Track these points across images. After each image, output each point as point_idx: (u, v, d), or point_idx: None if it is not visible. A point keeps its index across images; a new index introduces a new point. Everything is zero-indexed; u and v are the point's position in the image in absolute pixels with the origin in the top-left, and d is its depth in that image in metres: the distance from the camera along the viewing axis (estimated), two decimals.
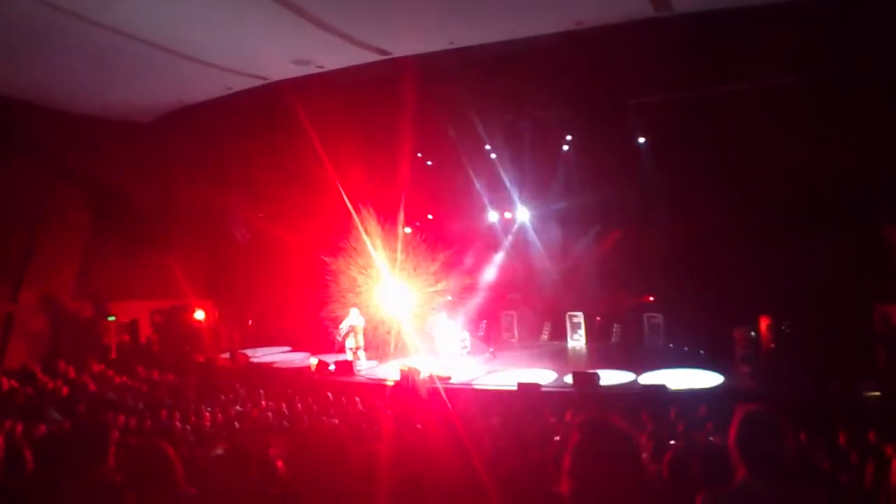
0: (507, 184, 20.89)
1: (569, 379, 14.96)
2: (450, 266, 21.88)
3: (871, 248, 15.34)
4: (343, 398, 14.00)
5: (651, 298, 19.73)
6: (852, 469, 8.16)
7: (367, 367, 18.44)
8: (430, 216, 22.63)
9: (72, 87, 16.91)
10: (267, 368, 19.19)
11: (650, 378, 14.95)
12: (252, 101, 18.88)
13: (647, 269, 19.10)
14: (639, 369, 15.67)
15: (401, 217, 22.28)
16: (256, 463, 5.35)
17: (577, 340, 20.73)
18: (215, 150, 22.07)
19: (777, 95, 15.67)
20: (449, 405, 11.60)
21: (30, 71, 15.44)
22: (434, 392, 15.19)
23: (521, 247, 21.89)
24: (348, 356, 18.59)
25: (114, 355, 20.65)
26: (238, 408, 13.64)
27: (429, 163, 21.68)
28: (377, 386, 16.29)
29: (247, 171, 22.36)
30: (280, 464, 6.33)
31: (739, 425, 3.11)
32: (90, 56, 14.81)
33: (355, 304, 19.82)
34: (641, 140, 18.89)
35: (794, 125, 15.59)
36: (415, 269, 21.18)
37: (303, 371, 17.94)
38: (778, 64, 15.03)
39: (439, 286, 21.21)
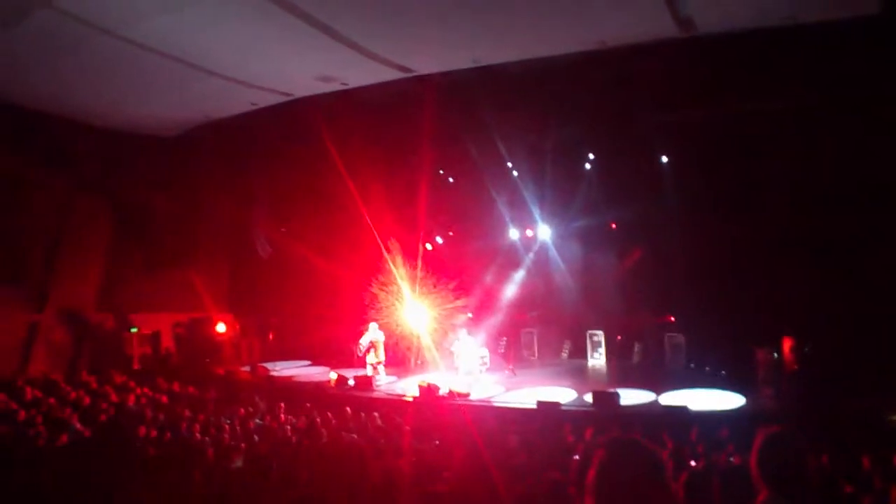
0: (529, 201, 20.90)
1: (589, 398, 14.88)
2: (471, 283, 21.90)
3: (893, 268, 15.18)
4: (362, 413, 14.00)
5: (672, 318, 19.60)
6: (876, 493, 8.05)
7: (386, 383, 18.43)
8: (451, 233, 22.67)
9: (98, 101, 17.16)
10: (287, 382, 19.24)
11: (671, 398, 14.84)
12: (276, 118, 19.07)
13: (668, 288, 19.01)
14: (660, 389, 15.57)
15: (422, 234, 22.34)
16: (275, 476, 5.37)
17: (598, 359, 20.60)
18: (239, 164, 22.31)
19: (800, 115, 15.62)
20: (468, 422, 11.62)
21: (56, 84, 15.69)
22: (453, 408, 15.17)
23: (542, 264, 21.84)
24: (368, 371, 18.61)
25: (136, 366, 20.80)
26: (258, 421, 13.68)
27: (451, 180, 21.74)
28: (396, 401, 16.28)
29: (270, 186, 22.58)
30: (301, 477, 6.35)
31: (761, 447, 3.10)
32: (116, 71, 15.04)
33: (375, 320, 19.85)
34: (664, 159, 18.85)
35: (816, 144, 15.53)
36: (435, 286, 21.21)
37: (322, 385, 17.96)
38: (801, 84, 14.99)
39: (460, 303, 21.24)
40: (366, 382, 17.56)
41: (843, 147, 15.10)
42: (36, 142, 17.99)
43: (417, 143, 19.74)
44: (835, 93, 14.84)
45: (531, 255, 22.01)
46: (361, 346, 19.30)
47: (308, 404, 15.27)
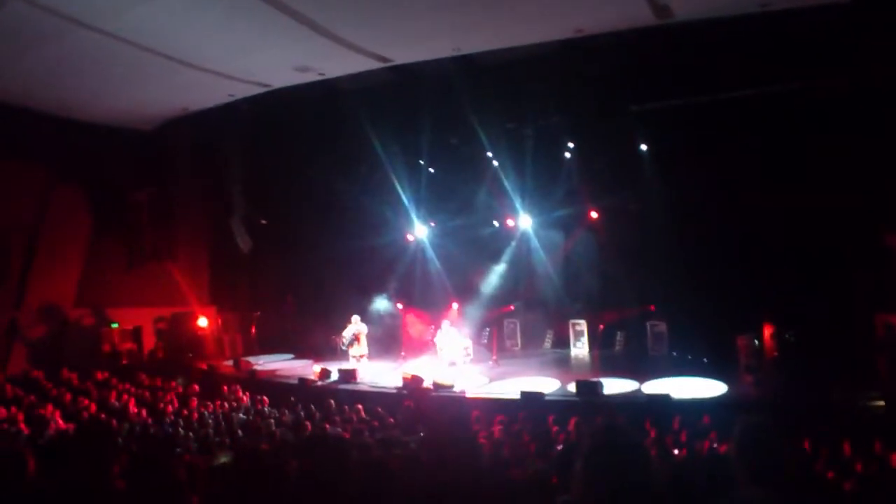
0: (510, 191, 20.90)
1: (572, 387, 14.92)
2: (452, 274, 21.91)
3: (874, 257, 15.30)
4: (346, 406, 13.99)
5: (653, 307, 19.67)
6: (857, 478, 8.13)
7: (370, 375, 18.39)
8: (432, 224, 22.64)
9: (74, 94, 16.99)
10: (270, 376, 19.18)
11: (654, 387, 14.91)
12: (254, 108, 18.96)
13: (650, 277, 19.09)
14: (642, 378, 15.63)
15: (402, 224, 22.31)
16: (258, 471, 5.34)
17: (580, 349, 20.68)
18: (218, 156, 22.17)
19: (780, 102, 15.68)
20: (452, 413, 11.60)
21: (33, 77, 15.52)
22: (437, 400, 15.18)
23: (523, 254, 21.87)
24: (351, 364, 18.58)
25: (125, 361, 20.68)
26: (241, 415, 13.64)
27: (431, 170, 21.70)
28: (380, 394, 16.27)
29: (249, 177, 22.46)
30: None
31: (739, 435, 3.11)
32: (93, 63, 14.90)
33: (357, 312, 19.81)
34: (643, 147, 18.88)
35: (798, 132, 15.59)
36: (418, 276, 21.23)
37: (306, 378, 17.91)
38: (782, 71, 15.05)
39: (442, 294, 21.28)
40: (350, 375, 17.52)
41: (823, 134, 15.16)
42: (11, 135, 17.76)
43: (397, 132, 19.69)
44: (817, 79, 14.92)
45: (513, 244, 22.02)
46: (345, 339, 19.26)
47: (292, 398, 15.24)
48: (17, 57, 14.33)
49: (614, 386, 15.14)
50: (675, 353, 18.52)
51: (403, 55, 15.63)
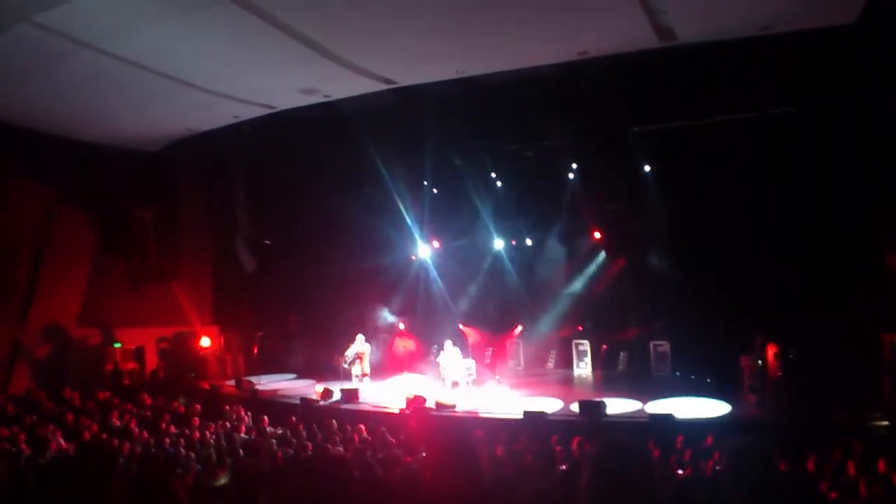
0: (513, 212, 20.95)
1: (575, 407, 14.89)
2: (456, 293, 21.91)
3: (878, 277, 15.28)
4: (348, 426, 13.95)
5: (655, 326, 19.62)
6: (861, 498, 8.10)
7: (372, 395, 18.35)
8: (435, 243, 22.67)
9: (79, 116, 17.06)
10: (272, 395, 19.14)
11: (657, 407, 14.87)
12: (259, 129, 19.04)
13: (653, 296, 19.09)
14: (645, 398, 15.60)
15: (406, 244, 22.35)
16: (260, 492, 5.33)
17: (583, 368, 20.65)
18: (222, 176, 22.26)
19: (781, 125, 15.74)
20: (453, 433, 11.54)
21: (38, 99, 15.57)
22: (440, 420, 15.14)
23: (526, 274, 21.88)
24: (354, 383, 18.53)
25: (126, 381, 20.63)
26: (243, 435, 13.59)
27: (435, 191, 21.76)
28: (383, 414, 16.22)
29: (253, 197, 22.55)
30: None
31: (732, 456, 3.10)
32: (98, 85, 14.94)
33: (361, 332, 19.80)
34: (647, 168, 18.93)
35: (798, 154, 15.64)
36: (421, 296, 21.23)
37: (308, 398, 17.87)
38: (782, 94, 15.13)
39: (446, 313, 21.29)
40: (352, 395, 17.48)
41: (825, 155, 15.20)
42: (17, 156, 17.85)
43: (400, 154, 19.77)
44: (816, 103, 14.98)
45: (516, 264, 22.03)
46: (347, 358, 19.23)
47: (293, 418, 15.21)
48: (22, 79, 14.40)
49: (617, 406, 15.11)
50: (678, 373, 18.49)
51: (408, 77, 15.70)
